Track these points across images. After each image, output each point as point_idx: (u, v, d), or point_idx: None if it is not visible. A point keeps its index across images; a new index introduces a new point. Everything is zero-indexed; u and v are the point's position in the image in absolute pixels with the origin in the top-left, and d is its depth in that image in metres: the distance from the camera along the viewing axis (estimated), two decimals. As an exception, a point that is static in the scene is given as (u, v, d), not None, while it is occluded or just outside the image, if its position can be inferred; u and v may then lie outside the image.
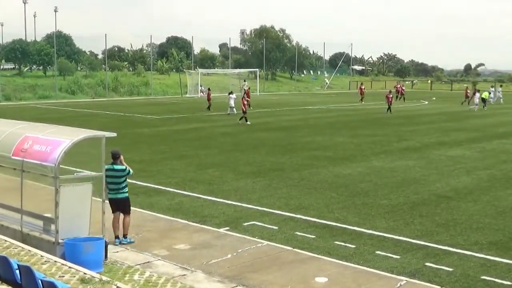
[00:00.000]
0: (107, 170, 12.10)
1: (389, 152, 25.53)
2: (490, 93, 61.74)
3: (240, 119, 37.05)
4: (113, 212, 12.48)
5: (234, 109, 42.89)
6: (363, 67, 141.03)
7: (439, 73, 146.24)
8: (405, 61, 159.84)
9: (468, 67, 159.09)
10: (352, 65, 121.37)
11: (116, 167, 12.38)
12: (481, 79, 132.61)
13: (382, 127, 36.18)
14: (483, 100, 54.34)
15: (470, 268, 11.01)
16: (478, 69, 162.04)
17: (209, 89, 50.96)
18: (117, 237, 12.40)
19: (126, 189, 12.60)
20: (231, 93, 45.56)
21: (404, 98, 64.20)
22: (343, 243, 12.51)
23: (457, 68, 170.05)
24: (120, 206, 12.48)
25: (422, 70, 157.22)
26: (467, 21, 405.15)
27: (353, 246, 12.34)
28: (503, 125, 38.04)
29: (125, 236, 12.48)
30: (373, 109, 51.54)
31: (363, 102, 59.35)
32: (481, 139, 30.46)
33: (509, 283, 10.25)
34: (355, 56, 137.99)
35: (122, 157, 12.57)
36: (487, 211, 15.32)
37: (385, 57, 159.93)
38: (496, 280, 10.40)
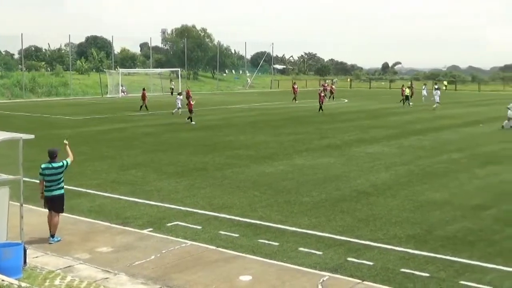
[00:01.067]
0: (44, 169, 12.40)
1: (311, 150, 25.89)
2: (424, 90, 64.13)
3: (187, 118, 36.98)
4: (48, 209, 12.51)
5: (180, 110, 42.64)
6: (284, 66, 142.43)
7: (358, 72, 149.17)
8: (325, 60, 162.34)
9: (385, 66, 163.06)
10: (274, 64, 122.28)
11: (54, 164, 12.51)
12: (398, 77, 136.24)
13: (304, 125, 36.64)
14: (407, 97, 56.03)
15: (390, 261, 11.30)
16: (395, 67, 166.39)
17: (143, 89, 50.27)
18: (52, 235, 12.42)
19: (63, 185, 12.70)
20: (180, 94, 45.31)
21: (333, 97, 64.59)
22: (266, 241, 12.60)
23: (375, 66, 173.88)
24: (55, 203, 12.47)
25: (342, 69, 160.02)
26: (384, 21, 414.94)
27: (276, 243, 12.45)
28: (420, 122, 39.20)
29: (52, 235, 12.31)
30: (296, 107, 52.15)
31: (296, 102, 59.23)
32: (399, 135, 31.31)
33: (427, 274, 10.57)
34: (276, 56, 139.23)
35: (67, 145, 13.14)
36: (405, 205, 15.76)
37: (306, 56, 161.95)
38: (415, 272, 10.71)
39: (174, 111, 42.97)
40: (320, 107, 46.80)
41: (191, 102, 38.22)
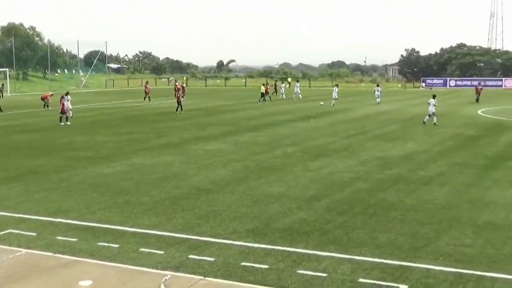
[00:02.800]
0: None
1: (149, 149, 25.72)
2: (282, 88, 65.65)
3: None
4: None
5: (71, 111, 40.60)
6: (119, 65, 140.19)
7: (193, 70, 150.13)
8: (161, 59, 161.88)
9: (220, 64, 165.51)
10: (108, 63, 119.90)
11: None
12: (233, 75, 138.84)
13: (141, 124, 36.31)
14: (262, 94, 57.51)
15: (231, 256, 11.51)
16: (230, 65, 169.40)
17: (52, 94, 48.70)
18: None
19: None
20: (67, 94, 42.80)
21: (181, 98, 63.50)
22: (106, 244, 12.35)
23: (210, 64, 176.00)
24: None
25: (178, 67, 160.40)
26: (218, 20, 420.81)
27: (116, 245, 12.24)
28: (254, 119, 40.21)
29: None
30: (133, 106, 51.50)
31: (150, 101, 57.90)
32: (234, 132, 31.92)
33: (266, 266, 10.89)
34: (111, 54, 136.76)
35: None
36: (243, 200, 16.11)
37: (141, 55, 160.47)
38: (255, 265, 10.99)
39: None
40: (179, 107, 45.60)
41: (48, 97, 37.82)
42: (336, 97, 53.97)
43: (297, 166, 21.36)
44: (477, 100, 56.61)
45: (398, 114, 43.30)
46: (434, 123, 34.73)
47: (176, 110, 45.27)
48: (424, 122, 35.40)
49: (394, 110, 47.17)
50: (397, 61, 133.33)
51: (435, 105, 35.73)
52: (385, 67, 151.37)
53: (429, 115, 35.56)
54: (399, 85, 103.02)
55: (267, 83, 64.92)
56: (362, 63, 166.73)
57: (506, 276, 10.37)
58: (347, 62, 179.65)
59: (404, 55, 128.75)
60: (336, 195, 16.64)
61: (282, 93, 64.42)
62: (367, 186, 17.84)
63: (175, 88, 63.44)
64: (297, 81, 71.81)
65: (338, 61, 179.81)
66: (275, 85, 67.59)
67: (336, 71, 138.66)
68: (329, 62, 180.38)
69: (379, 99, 55.49)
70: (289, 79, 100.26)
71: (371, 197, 16.42)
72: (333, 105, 52.19)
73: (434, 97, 36.29)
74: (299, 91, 64.49)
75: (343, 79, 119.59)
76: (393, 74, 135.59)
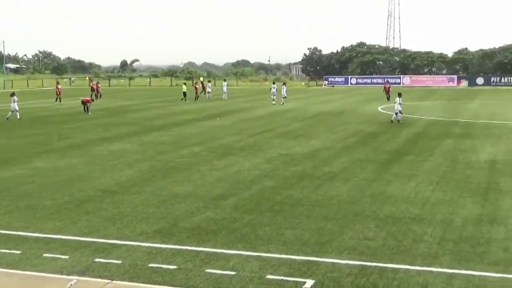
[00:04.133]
0: None
1: (52, 151, 25.03)
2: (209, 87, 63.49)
3: None
4: None
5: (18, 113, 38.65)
6: (18, 65, 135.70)
7: (96, 70, 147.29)
8: (62, 59, 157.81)
9: (124, 63, 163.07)
10: (6, 64, 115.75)
11: None
12: (137, 75, 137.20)
13: (43, 126, 35.31)
14: (184, 94, 56.82)
15: (138, 258, 11.39)
16: (134, 64, 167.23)
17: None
18: None
19: None
20: (13, 94, 40.59)
21: (100, 96, 61.92)
22: (7, 250, 11.93)
23: (114, 64, 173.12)
24: None
25: (80, 67, 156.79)
26: (121, 18, 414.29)
27: (18, 252, 11.85)
28: (159, 118, 39.89)
29: None
30: (34, 108, 49.94)
31: (61, 102, 55.63)
32: (139, 132, 31.57)
33: (175, 267, 10.84)
34: (9, 54, 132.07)
35: None
36: (150, 201, 15.97)
37: (41, 55, 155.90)
38: (163, 266, 10.92)
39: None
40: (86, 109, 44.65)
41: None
42: (286, 95, 53.78)
43: (204, 165, 21.36)
44: (388, 99, 54.84)
45: (302, 112, 44.04)
46: (398, 120, 34.90)
47: (87, 111, 44.31)
48: (391, 121, 35.35)
49: (299, 108, 47.95)
50: (301, 60, 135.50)
51: (400, 103, 35.49)
52: (289, 65, 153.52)
53: (396, 113, 35.37)
54: (303, 83, 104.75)
55: (196, 82, 64.19)
56: (266, 62, 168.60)
57: (407, 267, 10.78)
58: (251, 61, 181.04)
59: (307, 54, 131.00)
60: (243, 193, 16.76)
61: (209, 92, 62.13)
62: (273, 184, 18.07)
63: (91, 88, 62.75)
64: (224, 80, 69.37)
65: (243, 60, 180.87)
66: (202, 84, 66.09)
67: (240, 70, 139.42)
68: (234, 61, 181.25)
69: (274, 96, 52.95)
70: (201, 78, 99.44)
71: (277, 194, 16.65)
72: (283, 103, 51.56)
73: (400, 95, 36.02)
74: (225, 91, 62.70)
75: (247, 78, 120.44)
76: (297, 73, 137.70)
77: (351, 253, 11.57)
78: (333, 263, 11.01)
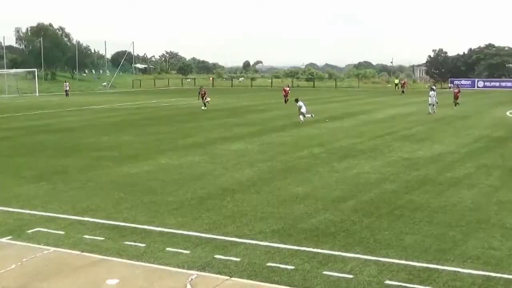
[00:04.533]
0: None
1: (175, 149, 25.83)
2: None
3: None
4: None
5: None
6: (146, 66, 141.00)
7: (220, 70, 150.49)
8: (187, 59, 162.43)
9: (246, 64, 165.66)
10: (135, 64, 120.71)
11: None
12: (259, 75, 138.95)
13: (167, 124, 36.48)
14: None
15: (256, 256, 11.50)
16: (256, 66, 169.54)
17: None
18: None
19: None
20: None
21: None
22: (133, 243, 12.43)
23: (236, 65, 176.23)
24: None
25: (204, 68, 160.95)
26: (244, 22, 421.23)
27: (143, 245, 12.31)
28: (280, 119, 40.17)
29: None
30: (160, 107, 51.76)
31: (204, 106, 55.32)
32: (260, 132, 31.92)
33: (292, 267, 10.87)
34: (138, 55, 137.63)
35: None
36: (269, 201, 16.10)
37: (167, 55, 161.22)
38: (280, 265, 10.97)
39: None
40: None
41: None
42: (436, 101, 44.92)
43: (323, 166, 21.29)
44: None
45: (425, 115, 42.92)
46: (428, 113, 39.03)
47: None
48: (429, 113, 39.38)
49: (421, 111, 46.76)
50: (424, 62, 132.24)
51: (431, 96, 40.82)
52: (412, 67, 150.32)
53: (433, 105, 40.23)
54: (426, 85, 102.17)
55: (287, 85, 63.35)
56: (389, 64, 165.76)
57: (535, 280, 10.23)
58: (374, 63, 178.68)
59: (432, 56, 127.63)
60: (362, 196, 16.55)
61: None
62: (394, 187, 17.72)
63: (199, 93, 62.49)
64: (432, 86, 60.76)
65: (365, 62, 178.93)
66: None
67: (362, 71, 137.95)
68: (356, 62, 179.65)
69: (434, 106, 44.49)
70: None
71: (397, 198, 16.31)
72: (435, 112, 44.05)
73: (432, 89, 40.45)
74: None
75: (369, 79, 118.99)
76: (420, 75, 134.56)
77: (475, 262, 11.12)
78: (455, 271, 10.63)
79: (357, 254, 11.60)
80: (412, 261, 11.16)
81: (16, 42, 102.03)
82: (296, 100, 39.07)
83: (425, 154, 24.01)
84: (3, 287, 9.95)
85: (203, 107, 48.29)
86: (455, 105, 50.31)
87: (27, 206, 15.61)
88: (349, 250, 11.85)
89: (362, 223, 13.84)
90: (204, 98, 49.14)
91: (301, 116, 37.37)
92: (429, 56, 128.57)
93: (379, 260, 11.21)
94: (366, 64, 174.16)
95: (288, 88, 55.92)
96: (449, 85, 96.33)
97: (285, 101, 54.22)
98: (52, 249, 11.99)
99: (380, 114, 44.28)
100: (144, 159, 23.18)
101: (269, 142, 28.18)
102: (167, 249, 12.02)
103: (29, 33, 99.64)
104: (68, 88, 72.70)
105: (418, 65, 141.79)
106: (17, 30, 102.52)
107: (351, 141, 28.19)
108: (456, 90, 52.85)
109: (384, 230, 13.23)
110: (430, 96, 41.09)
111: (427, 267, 10.83)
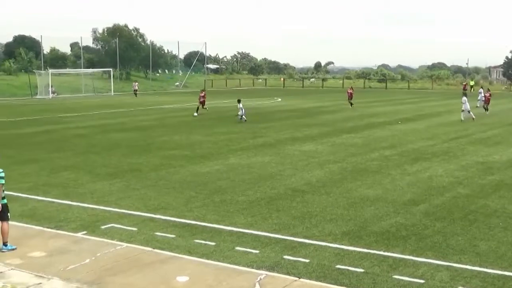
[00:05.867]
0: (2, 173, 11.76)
1: (245, 149, 25.96)
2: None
3: None
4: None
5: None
6: (218, 66, 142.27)
7: (291, 71, 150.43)
8: (258, 60, 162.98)
9: (318, 65, 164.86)
10: (207, 64, 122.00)
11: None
12: (331, 76, 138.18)
13: (237, 124, 36.70)
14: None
15: (326, 258, 11.44)
16: (328, 66, 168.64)
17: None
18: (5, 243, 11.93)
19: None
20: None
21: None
22: (203, 241, 12.56)
23: (307, 65, 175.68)
24: (4, 211, 11.94)
25: (275, 68, 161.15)
26: (315, 23, 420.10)
27: (213, 243, 12.42)
28: (351, 120, 39.82)
29: (5, 243, 11.88)
30: (227, 107, 52.13)
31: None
32: (331, 133, 31.72)
33: (361, 270, 10.75)
34: (210, 55, 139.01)
35: None
36: (339, 202, 15.98)
37: (239, 56, 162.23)
38: (350, 268, 10.87)
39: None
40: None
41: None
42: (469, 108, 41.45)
43: (395, 169, 20.98)
44: None
45: (501, 118, 41.72)
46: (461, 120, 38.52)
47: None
48: (462, 120, 38.72)
49: (497, 114, 45.46)
50: (502, 63, 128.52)
51: (463, 102, 39.20)
52: (489, 69, 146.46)
53: (468, 111, 39.12)
54: (503, 87, 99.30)
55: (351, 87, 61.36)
56: (464, 65, 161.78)
57: None
58: (448, 64, 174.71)
59: (509, 57, 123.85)
60: (434, 200, 16.22)
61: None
62: (467, 192, 17.29)
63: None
64: (481, 87, 58.16)
65: (439, 63, 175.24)
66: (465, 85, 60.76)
67: (436, 72, 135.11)
68: (429, 63, 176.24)
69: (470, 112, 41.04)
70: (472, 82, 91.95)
71: (471, 203, 15.90)
72: (473, 119, 40.36)
73: (465, 94, 40.67)
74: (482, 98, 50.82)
75: (443, 81, 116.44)
76: (497, 77, 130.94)
77: (553, 271, 10.73)
78: (531, 280, 10.29)
79: (429, 259, 11.37)
80: (487, 268, 10.87)
81: (92, 43, 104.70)
82: (239, 101, 39.68)
83: (501, 158, 23.33)
84: (77, 280, 10.23)
85: (195, 114, 44.00)
86: (486, 110, 46.78)
87: (101, 202, 16.02)
88: (420, 254, 11.64)
89: (434, 227, 13.56)
90: (203, 103, 45.92)
91: (243, 117, 38.07)
92: (506, 57, 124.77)
93: (451, 266, 10.96)
94: (440, 65, 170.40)
95: (351, 91, 55.09)
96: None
97: (350, 104, 52.63)
98: (125, 245, 12.25)
99: (453, 116, 43.24)
100: (214, 158, 23.40)
101: (340, 143, 27.98)
102: (237, 248, 12.09)
103: (105, 34, 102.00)
104: (137, 87, 73.88)
105: (495, 67, 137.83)
106: (94, 31, 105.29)
107: (423, 144, 27.67)
108: (487, 94, 49.45)
109: (457, 235, 12.93)
110: (463, 103, 38.35)
111: (502, 275, 10.52)
